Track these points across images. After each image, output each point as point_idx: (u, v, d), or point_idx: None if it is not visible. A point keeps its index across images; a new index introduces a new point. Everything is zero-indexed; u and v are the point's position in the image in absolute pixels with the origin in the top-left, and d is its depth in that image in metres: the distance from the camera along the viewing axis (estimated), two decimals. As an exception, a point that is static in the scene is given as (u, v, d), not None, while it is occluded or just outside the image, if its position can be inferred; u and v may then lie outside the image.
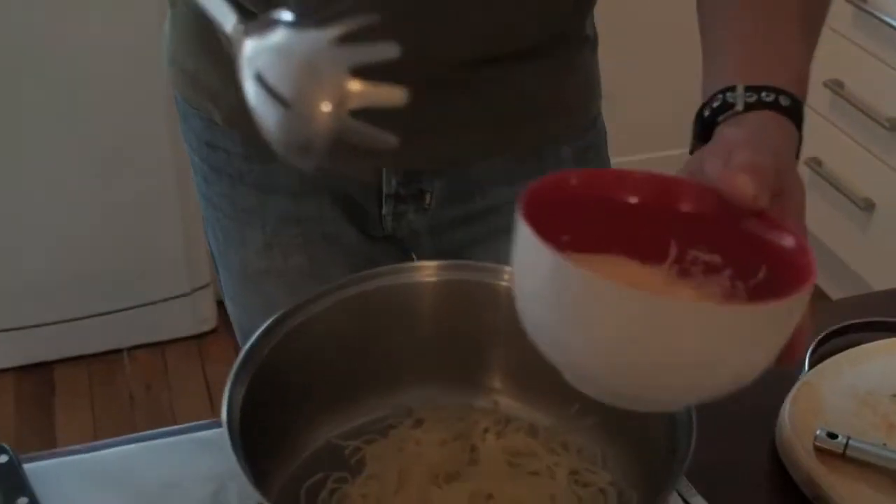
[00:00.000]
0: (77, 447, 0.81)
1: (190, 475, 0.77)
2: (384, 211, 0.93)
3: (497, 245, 0.94)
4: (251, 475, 0.60)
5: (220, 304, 2.07)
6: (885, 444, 0.76)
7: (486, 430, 0.77)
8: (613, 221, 0.59)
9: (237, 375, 0.69)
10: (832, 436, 0.76)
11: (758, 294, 0.56)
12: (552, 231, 0.54)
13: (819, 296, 2.28)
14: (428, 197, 0.92)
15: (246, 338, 1.03)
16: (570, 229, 0.58)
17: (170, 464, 0.78)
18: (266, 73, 0.60)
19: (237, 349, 1.04)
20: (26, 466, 0.77)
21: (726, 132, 0.63)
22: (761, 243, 0.57)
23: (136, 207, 2.03)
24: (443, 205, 0.93)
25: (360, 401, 0.78)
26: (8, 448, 0.77)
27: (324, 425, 0.77)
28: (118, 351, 2.17)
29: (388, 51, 0.58)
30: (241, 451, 0.63)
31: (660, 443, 0.68)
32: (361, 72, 0.59)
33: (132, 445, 0.81)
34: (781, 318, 0.51)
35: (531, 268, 0.53)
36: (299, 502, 0.72)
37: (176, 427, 0.84)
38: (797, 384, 0.82)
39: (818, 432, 0.76)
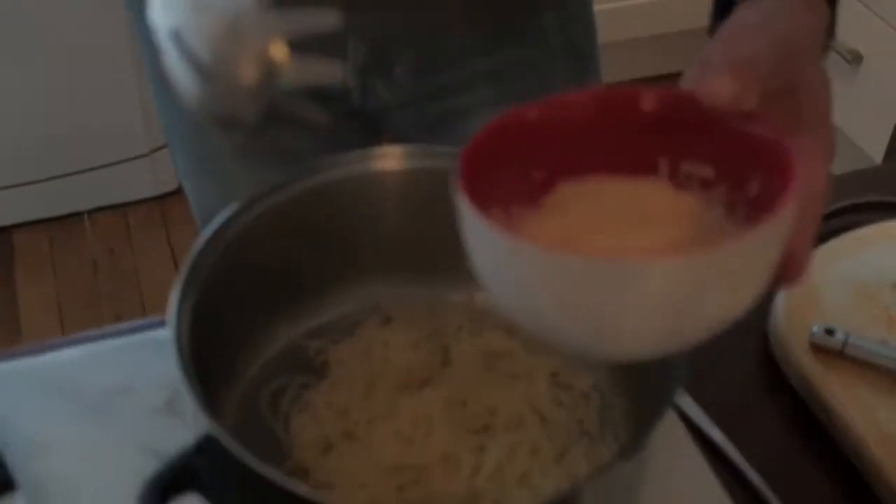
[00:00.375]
0: (21, 350, 0.76)
1: (142, 380, 0.72)
2: (350, 84, 0.85)
3: (474, 121, 0.87)
4: (202, 400, 0.55)
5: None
6: (885, 340, 0.72)
7: (459, 328, 0.72)
8: (594, 146, 0.52)
9: (187, 281, 0.62)
10: (829, 332, 0.71)
11: (756, 209, 0.49)
12: (519, 173, 0.50)
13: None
14: (398, 69, 0.84)
15: (204, 218, 0.98)
16: (545, 164, 0.52)
17: (120, 368, 0.73)
18: (184, 32, 0.50)
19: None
20: (-36, 373, 0.72)
21: (740, 15, 0.55)
22: (753, 150, 0.49)
23: (92, 67, 1.94)
24: (414, 78, 0.85)
25: (324, 298, 0.73)
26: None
27: (285, 325, 0.71)
28: (78, 214, 2.11)
29: (327, 19, 0.50)
30: (191, 371, 0.57)
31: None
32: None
33: (81, 348, 0.75)
34: (758, 248, 0.44)
35: (478, 247, 0.47)
36: (260, 410, 0.67)
37: (126, 326, 0.78)
38: (792, 273, 0.76)
39: (815, 329, 0.72)
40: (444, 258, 0.73)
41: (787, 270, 0.48)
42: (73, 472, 0.67)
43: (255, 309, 0.69)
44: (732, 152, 0.50)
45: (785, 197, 0.44)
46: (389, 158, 0.71)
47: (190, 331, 0.61)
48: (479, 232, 0.46)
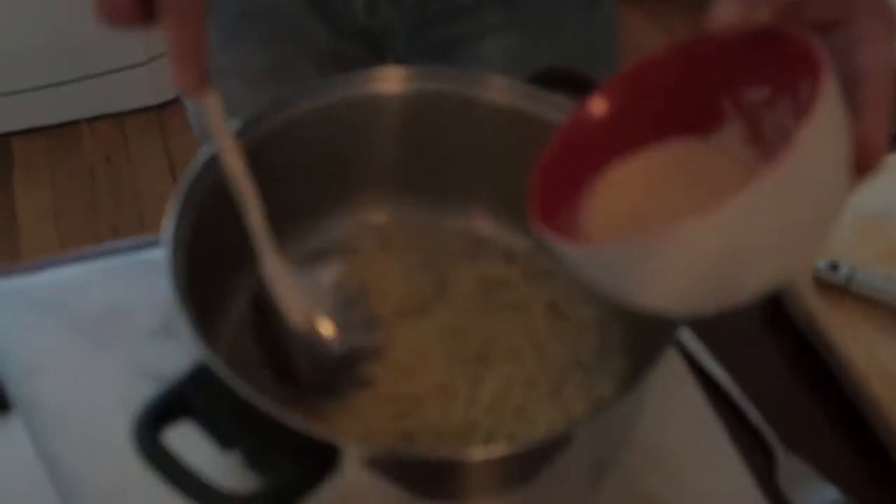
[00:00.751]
0: (17, 268, 0.74)
1: (139, 302, 0.71)
2: (355, 4, 0.82)
3: (483, 45, 0.85)
4: (196, 326, 0.54)
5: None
6: (890, 276, 0.71)
7: (457, 255, 0.71)
8: (655, 112, 0.54)
9: (183, 203, 0.61)
10: (834, 267, 0.70)
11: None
12: (597, 163, 0.54)
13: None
14: None
15: (203, 136, 0.96)
16: (617, 148, 0.54)
17: (117, 289, 0.72)
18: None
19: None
20: (-44, 291, 0.71)
21: None
22: (788, 59, 0.48)
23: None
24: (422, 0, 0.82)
25: (321, 221, 0.72)
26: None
27: (282, 248, 0.70)
28: (77, 122, 2.08)
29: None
30: (186, 296, 0.56)
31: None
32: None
33: (77, 267, 0.74)
34: (810, 155, 0.43)
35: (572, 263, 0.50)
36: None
37: (123, 244, 0.77)
38: (798, 204, 0.75)
39: (819, 263, 0.70)
40: (444, 183, 0.72)
41: (862, 159, 0.47)
42: (67, 394, 0.66)
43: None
44: (774, 67, 0.50)
45: (815, 100, 0.43)
46: (392, 80, 0.69)
47: (185, 254, 0.59)
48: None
